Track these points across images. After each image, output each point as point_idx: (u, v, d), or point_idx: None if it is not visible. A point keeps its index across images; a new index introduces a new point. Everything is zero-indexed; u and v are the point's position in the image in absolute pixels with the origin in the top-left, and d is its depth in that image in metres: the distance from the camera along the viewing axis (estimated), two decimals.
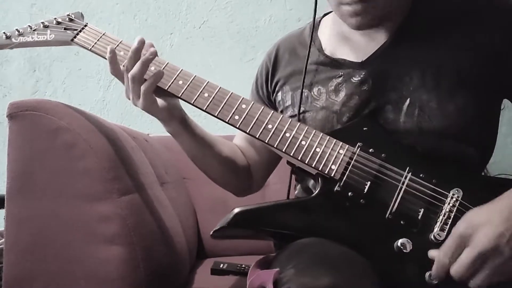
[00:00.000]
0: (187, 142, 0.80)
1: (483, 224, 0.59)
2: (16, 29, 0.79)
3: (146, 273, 0.74)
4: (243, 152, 0.94)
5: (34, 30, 0.79)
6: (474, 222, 0.60)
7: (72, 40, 0.78)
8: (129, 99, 0.73)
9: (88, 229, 0.72)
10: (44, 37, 0.79)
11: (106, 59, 0.73)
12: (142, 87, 0.70)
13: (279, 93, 0.87)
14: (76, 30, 0.79)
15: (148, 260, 0.75)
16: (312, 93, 0.80)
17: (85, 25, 0.79)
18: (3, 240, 0.74)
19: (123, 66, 0.71)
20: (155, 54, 0.70)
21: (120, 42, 0.77)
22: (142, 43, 0.70)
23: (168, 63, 0.75)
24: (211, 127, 1.56)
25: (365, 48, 0.78)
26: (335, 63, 0.79)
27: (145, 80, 0.71)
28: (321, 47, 0.83)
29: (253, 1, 1.78)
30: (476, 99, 0.71)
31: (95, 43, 0.77)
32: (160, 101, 0.74)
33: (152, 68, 0.73)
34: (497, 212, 0.60)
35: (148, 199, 0.85)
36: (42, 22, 0.80)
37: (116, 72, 0.72)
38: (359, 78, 0.76)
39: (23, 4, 1.80)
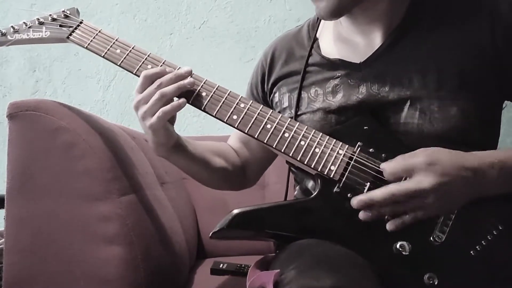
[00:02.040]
0: (179, 164, 0.81)
1: (442, 174, 0.62)
2: (12, 26, 0.79)
3: (146, 273, 0.74)
4: (237, 152, 0.95)
5: (29, 27, 0.78)
6: (436, 164, 0.63)
7: (67, 37, 0.77)
8: (137, 110, 0.71)
9: (88, 229, 0.72)
10: (39, 34, 0.78)
11: (102, 57, 0.75)
12: (164, 108, 0.69)
13: (276, 94, 0.87)
14: (71, 27, 0.78)
15: (148, 260, 0.75)
16: (309, 94, 0.80)
17: (81, 22, 0.78)
18: (3, 240, 0.74)
19: (155, 83, 0.70)
20: (192, 85, 0.72)
21: (116, 40, 0.76)
22: (189, 73, 0.73)
23: (165, 61, 0.75)
24: (210, 127, 1.57)
25: (363, 49, 0.77)
26: (333, 64, 0.79)
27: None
28: (319, 48, 0.83)
29: (253, 1, 1.79)
30: (478, 101, 0.70)
31: (90, 41, 0.76)
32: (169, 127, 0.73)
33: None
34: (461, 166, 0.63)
35: (148, 199, 0.85)
36: (38, 19, 0.79)
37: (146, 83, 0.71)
38: (357, 80, 0.76)
39: (23, 4, 1.80)
